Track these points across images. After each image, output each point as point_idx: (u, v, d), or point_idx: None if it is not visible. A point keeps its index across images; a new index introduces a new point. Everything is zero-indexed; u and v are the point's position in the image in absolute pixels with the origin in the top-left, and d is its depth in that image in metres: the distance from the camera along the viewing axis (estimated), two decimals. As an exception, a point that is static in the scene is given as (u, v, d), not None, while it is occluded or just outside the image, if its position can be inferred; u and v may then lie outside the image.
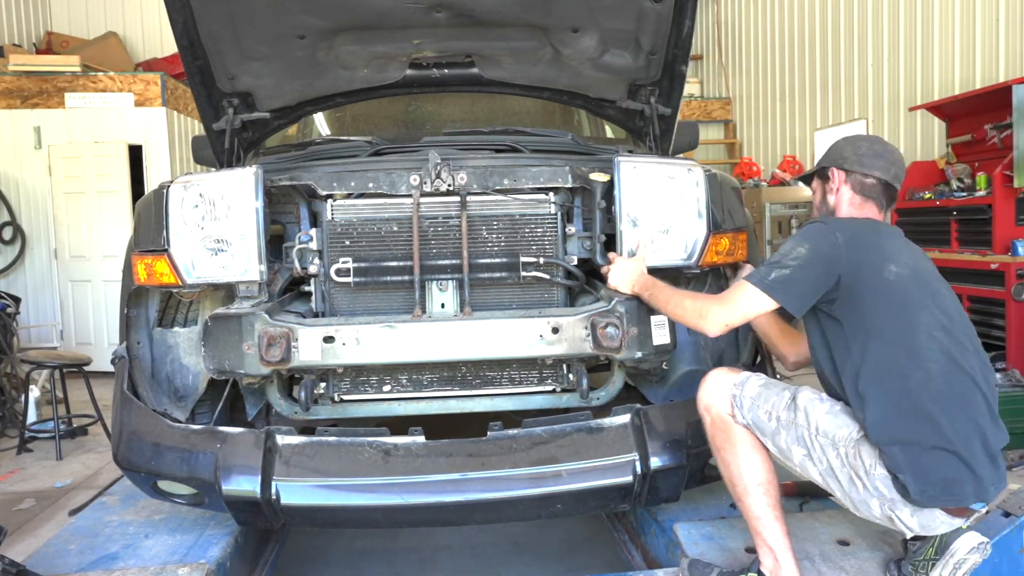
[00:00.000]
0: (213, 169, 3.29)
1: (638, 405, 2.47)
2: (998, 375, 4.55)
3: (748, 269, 2.52)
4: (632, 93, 3.42)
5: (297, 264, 2.61)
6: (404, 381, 2.59)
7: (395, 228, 2.59)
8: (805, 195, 8.43)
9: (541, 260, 2.57)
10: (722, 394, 2.18)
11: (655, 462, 2.32)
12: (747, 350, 2.68)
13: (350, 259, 2.55)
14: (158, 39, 10.83)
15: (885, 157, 2.18)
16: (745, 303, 2.08)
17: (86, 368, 5.18)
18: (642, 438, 2.35)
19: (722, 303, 2.12)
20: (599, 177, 2.56)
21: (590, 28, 3.09)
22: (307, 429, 2.49)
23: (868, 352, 1.99)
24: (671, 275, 2.52)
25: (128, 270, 2.60)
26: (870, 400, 1.97)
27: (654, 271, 2.42)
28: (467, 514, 2.40)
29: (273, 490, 2.28)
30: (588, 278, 2.68)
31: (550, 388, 2.61)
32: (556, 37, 3.16)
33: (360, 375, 2.59)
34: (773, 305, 2.06)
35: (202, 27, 2.93)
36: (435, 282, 2.59)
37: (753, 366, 2.64)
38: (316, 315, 2.66)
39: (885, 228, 2.17)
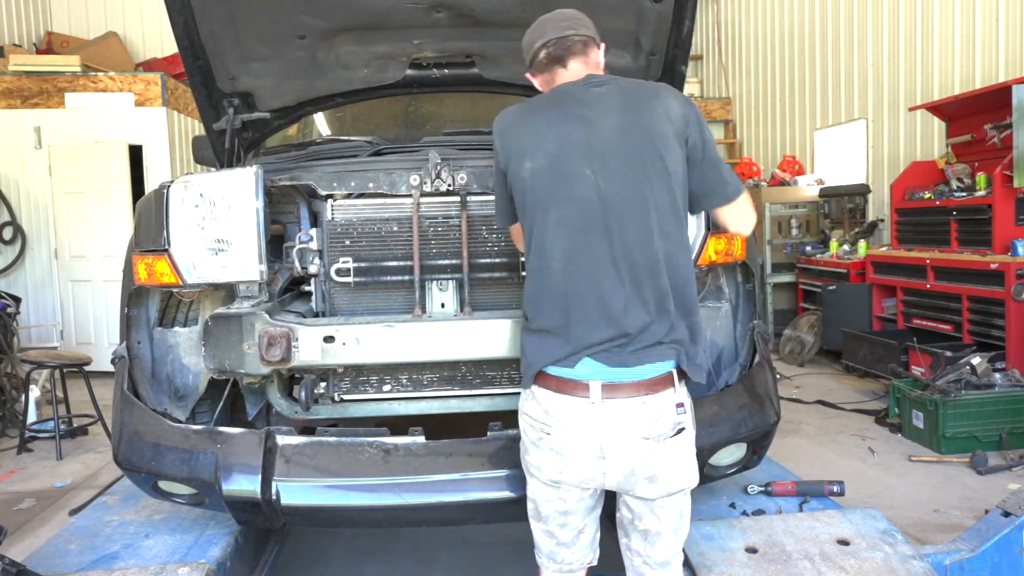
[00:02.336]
0: (213, 169, 3.29)
1: None
2: (997, 375, 4.55)
3: None
4: (632, 93, 3.41)
5: (297, 264, 2.61)
6: (404, 381, 2.59)
7: (395, 228, 2.60)
8: (805, 195, 8.43)
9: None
10: None
11: None
12: (745, 351, 2.68)
13: (350, 259, 2.55)
14: (158, 39, 10.84)
15: (531, 32, 1.99)
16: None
17: (86, 368, 5.18)
18: None
19: None
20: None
21: None
22: (307, 429, 2.49)
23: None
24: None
25: (128, 270, 2.60)
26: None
27: None
28: (467, 514, 2.40)
29: (273, 490, 2.28)
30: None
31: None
32: (556, 37, 3.16)
33: (360, 375, 2.59)
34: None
35: (202, 27, 2.93)
36: (435, 282, 2.59)
37: (750, 367, 2.63)
38: (316, 315, 2.66)
39: (548, 101, 1.92)
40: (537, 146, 1.86)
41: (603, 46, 1.99)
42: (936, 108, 6.29)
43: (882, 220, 7.29)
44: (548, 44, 1.94)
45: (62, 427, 5.11)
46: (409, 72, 3.35)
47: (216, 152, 3.35)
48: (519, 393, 2.59)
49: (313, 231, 2.63)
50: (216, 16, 2.89)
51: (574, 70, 1.93)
